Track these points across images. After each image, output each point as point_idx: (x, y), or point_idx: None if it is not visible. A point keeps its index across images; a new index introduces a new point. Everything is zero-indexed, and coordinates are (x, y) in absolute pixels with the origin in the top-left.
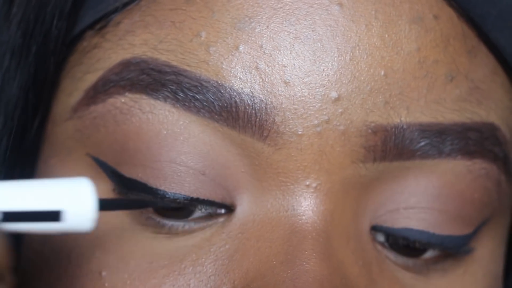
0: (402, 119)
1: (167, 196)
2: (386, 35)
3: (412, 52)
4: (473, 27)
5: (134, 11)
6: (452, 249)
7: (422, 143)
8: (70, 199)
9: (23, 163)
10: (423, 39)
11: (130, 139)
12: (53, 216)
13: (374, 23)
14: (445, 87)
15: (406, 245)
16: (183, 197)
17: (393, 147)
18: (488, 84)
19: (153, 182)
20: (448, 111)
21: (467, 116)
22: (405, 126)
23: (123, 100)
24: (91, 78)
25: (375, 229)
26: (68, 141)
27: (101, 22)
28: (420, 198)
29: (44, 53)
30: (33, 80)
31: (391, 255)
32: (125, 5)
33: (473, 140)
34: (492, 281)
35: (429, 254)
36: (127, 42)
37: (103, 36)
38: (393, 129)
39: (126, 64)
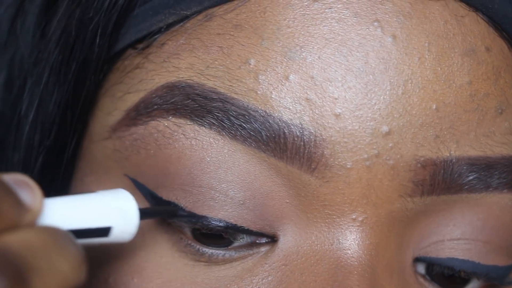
0: (451, 152)
1: (204, 221)
2: (439, 68)
3: (464, 85)
4: None
5: (179, 33)
6: (497, 280)
7: (471, 177)
8: (119, 216)
9: (59, 180)
10: (475, 72)
11: (171, 164)
12: (104, 232)
13: (427, 56)
14: (494, 120)
15: (450, 275)
16: (219, 223)
17: (442, 181)
18: None
19: (190, 206)
20: (496, 144)
21: None
22: (454, 160)
23: (166, 124)
24: (132, 99)
25: (417, 260)
26: (106, 160)
27: (144, 42)
28: (464, 230)
29: (83, 71)
30: (72, 98)
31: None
32: (169, 25)
33: None
34: None
35: (471, 286)
36: (172, 64)
37: (146, 57)
38: (442, 163)
39: (171, 88)
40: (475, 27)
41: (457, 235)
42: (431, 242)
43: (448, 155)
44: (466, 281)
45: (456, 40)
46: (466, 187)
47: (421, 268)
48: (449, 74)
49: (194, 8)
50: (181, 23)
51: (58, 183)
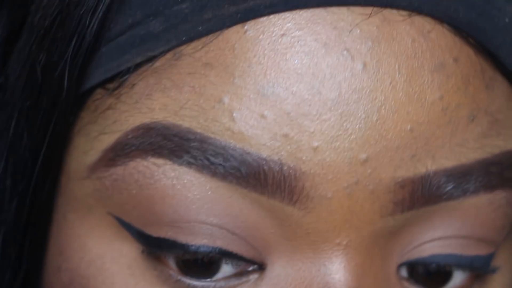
0: (428, 168)
1: (199, 250)
2: (411, 89)
3: (436, 101)
4: (488, 58)
5: (149, 73)
6: (481, 269)
7: (448, 187)
8: None
9: (37, 218)
10: (445, 85)
11: (156, 203)
12: None
13: (398, 79)
14: (467, 128)
15: (434, 272)
16: (215, 250)
17: (421, 196)
18: (504, 112)
19: (183, 239)
20: (470, 151)
21: (488, 151)
22: (431, 175)
23: (145, 164)
24: (108, 140)
25: (401, 265)
26: (87, 199)
27: (113, 82)
28: (444, 231)
29: (52, 113)
30: (43, 141)
31: None
32: (137, 65)
33: (494, 174)
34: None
35: (455, 282)
36: (145, 106)
37: (118, 98)
38: (420, 180)
39: (147, 129)
40: (442, 40)
41: (437, 236)
42: (412, 248)
43: (425, 171)
44: (449, 278)
45: (425, 57)
46: (445, 196)
47: (404, 272)
48: (420, 93)
49: (161, 47)
50: (150, 63)
51: (37, 221)
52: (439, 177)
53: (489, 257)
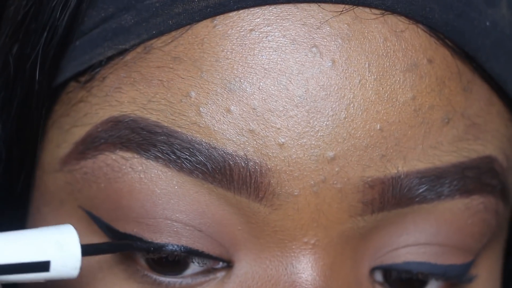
0: (399, 169)
1: (163, 249)
2: (381, 88)
3: (408, 101)
4: (467, 61)
5: (120, 66)
6: (455, 278)
7: (421, 190)
8: (56, 249)
9: (14, 209)
10: (418, 86)
11: (123, 197)
12: (42, 266)
13: (368, 77)
14: (441, 130)
15: (408, 279)
16: (180, 249)
17: (391, 197)
18: (484, 116)
19: (148, 236)
20: (445, 153)
21: (464, 155)
22: (402, 176)
23: (114, 158)
24: (79, 132)
25: (374, 269)
26: (59, 192)
27: (85, 75)
28: (418, 237)
29: (26, 106)
30: (17, 133)
31: None
32: (109, 59)
33: (471, 178)
34: None
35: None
36: (114, 98)
37: (89, 91)
38: (390, 181)
39: (115, 122)
40: (416, 40)
41: (411, 242)
42: (386, 251)
43: (396, 172)
44: (424, 284)
45: (397, 57)
46: (417, 199)
47: (379, 276)
48: (391, 92)
49: (132, 41)
50: (121, 56)
51: (14, 212)
52: (411, 178)
53: (466, 266)
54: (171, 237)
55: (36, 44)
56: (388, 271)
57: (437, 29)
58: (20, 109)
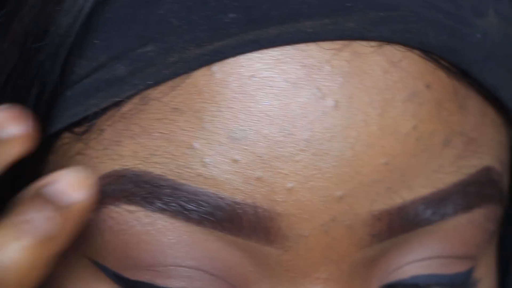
0: (405, 198)
1: None
2: (384, 122)
3: (410, 131)
4: (461, 78)
5: (117, 118)
6: (462, 286)
7: (427, 214)
8: None
9: None
10: (418, 114)
11: (131, 249)
12: None
13: (371, 113)
14: (442, 153)
15: None
16: None
17: (398, 226)
18: (479, 129)
19: (161, 282)
20: (447, 175)
21: (464, 172)
22: (408, 204)
23: (118, 211)
24: None
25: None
26: None
27: (81, 127)
28: (424, 254)
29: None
30: (12, 185)
31: None
32: (105, 110)
33: (472, 193)
34: None
35: None
36: (115, 152)
37: (86, 143)
38: (397, 211)
39: (117, 176)
40: (414, 67)
41: (416, 258)
42: (392, 270)
43: (402, 201)
44: None
45: (397, 88)
46: (423, 223)
47: None
48: (394, 125)
49: (127, 92)
50: (118, 108)
51: None
52: (416, 205)
53: (469, 272)
54: (183, 282)
55: (25, 100)
56: (394, 287)
57: (433, 52)
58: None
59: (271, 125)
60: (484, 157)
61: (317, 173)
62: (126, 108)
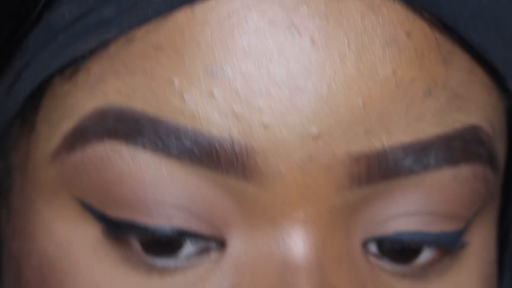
0: (384, 143)
1: (156, 231)
2: (361, 64)
3: (389, 76)
4: (446, 32)
5: (104, 58)
6: (448, 245)
7: (407, 162)
8: None
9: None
10: (398, 60)
11: (113, 186)
12: None
13: (348, 54)
14: (424, 102)
15: (401, 248)
16: (172, 230)
17: (377, 171)
18: (466, 87)
19: (141, 220)
20: (429, 126)
21: (449, 126)
22: (387, 150)
23: (102, 148)
24: (67, 125)
25: (367, 241)
26: (52, 184)
27: (70, 69)
28: (408, 207)
29: None
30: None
31: (387, 265)
32: (92, 51)
33: (456, 148)
34: (486, 268)
35: (425, 257)
36: (100, 90)
37: (74, 84)
38: (376, 155)
39: (101, 113)
40: (393, 14)
41: (401, 212)
42: (376, 223)
43: (381, 146)
44: (418, 251)
45: (376, 33)
46: (404, 171)
47: (373, 248)
48: (372, 68)
49: (114, 32)
50: (104, 48)
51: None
52: (396, 152)
53: (458, 233)
54: (162, 219)
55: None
56: (381, 242)
57: (414, 2)
58: None
59: (248, 61)
60: (471, 115)
61: (292, 109)
62: (112, 48)
